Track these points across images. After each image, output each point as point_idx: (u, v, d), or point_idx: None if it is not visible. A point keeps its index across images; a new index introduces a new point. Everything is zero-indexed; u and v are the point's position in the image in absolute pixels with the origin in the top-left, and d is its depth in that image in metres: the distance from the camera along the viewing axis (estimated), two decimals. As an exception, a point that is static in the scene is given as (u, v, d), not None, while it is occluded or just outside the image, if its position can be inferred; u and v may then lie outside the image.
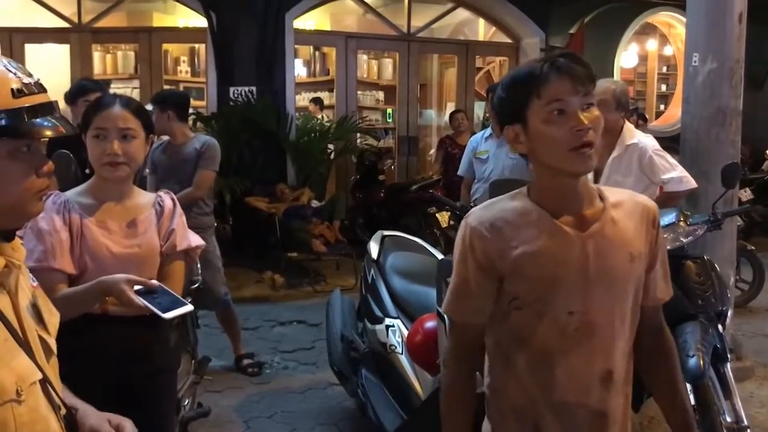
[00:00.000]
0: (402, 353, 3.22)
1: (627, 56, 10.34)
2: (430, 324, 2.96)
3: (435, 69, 10.91)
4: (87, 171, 2.29)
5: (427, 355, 2.90)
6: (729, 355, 3.17)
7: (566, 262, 1.53)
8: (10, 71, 1.17)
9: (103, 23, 8.25)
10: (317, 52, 10.04)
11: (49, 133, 1.18)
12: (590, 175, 3.67)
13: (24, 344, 1.18)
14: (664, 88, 11.65)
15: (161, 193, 2.29)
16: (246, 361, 4.65)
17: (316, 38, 9.41)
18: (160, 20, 8.93)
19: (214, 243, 4.45)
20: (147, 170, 4.10)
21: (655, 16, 10.13)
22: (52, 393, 1.23)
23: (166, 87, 7.72)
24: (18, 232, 1.28)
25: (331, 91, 9.46)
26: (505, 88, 1.59)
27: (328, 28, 9.63)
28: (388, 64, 10.13)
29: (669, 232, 3.25)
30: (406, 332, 3.21)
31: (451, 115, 8.24)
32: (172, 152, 4.38)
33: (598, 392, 1.57)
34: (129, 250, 2.12)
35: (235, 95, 7.75)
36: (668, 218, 3.29)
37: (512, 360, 1.61)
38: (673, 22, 10.40)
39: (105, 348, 2.08)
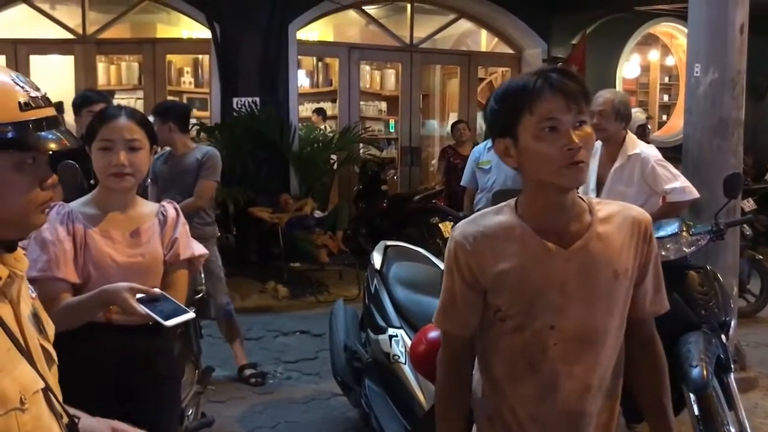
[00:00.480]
0: (405, 363, 3.21)
1: (629, 67, 10.36)
2: (433, 334, 2.94)
3: (437, 80, 10.94)
4: (92, 182, 2.31)
5: (431, 365, 2.86)
6: (733, 366, 3.17)
7: (547, 279, 1.53)
8: (18, 85, 1.19)
9: (107, 34, 8.30)
10: (320, 63, 10.08)
11: (53, 146, 1.20)
12: (591, 185, 3.71)
13: (26, 353, 1.19)
14: (666, 98, 11.66)
15: (165, 202, 2.30)
16: (249, 372, 4.65)
17: (319, 49, 9.44)
18: (164, 31, 8.99)
19: (216, 253, 4.47)
20: (148, 180, 4.12)
21: (657, 26, 10.16)
22: (54, 401, 1.24)
23: (169, 98, 7.76)
24: (22, 243, 1.29)
25: (334, 101, 9.49)
26: (497, 100, 1.57)
27: (331, 39, 9.67)
28: (390, 74, 10.17)
29: (671, 242, 3.26)
30: (409, 342, 3.20)
31: (453, 125, 8.26)
32: (173, 163, 4.40)
33: (579, 405, 1.57)
34: (132, 260, 2.14)
35: (239, 106, 7.78)
36: (671, 228, 3.29)
37: (496, 369, 1.62)
38: (674, 33, 10.42)
39: (109, 356, 2.09)
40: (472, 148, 5.77)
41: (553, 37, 9.18)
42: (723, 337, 3.16)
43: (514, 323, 1.56)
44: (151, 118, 3.90)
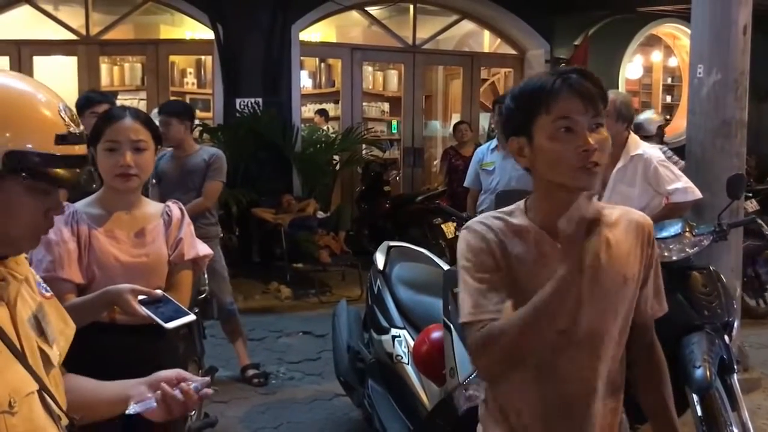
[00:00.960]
0: (408, 363, 3.22)
1: (632, 68, 10.35)
2: (436, 334, 2.96)
3: (440, 80, 10.95)
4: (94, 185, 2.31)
5: (433, 365, 2.91)
6: (736, 367, 3.17)
7: None
8: (63, 118, 1.20)
9: (110, 35, 8.31)
10: (323, 64, 10.08)
11: (67, 185, 1.21)
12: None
13: (21, 356, 1.19)
14: (669, 99, 11.65)
15: (170, 202, 2.31)
16: (252, 372, 4.65)
17: (322, 50, 9.45)
18: (167, 32, 9.01)
19: (220, 253, 4.48)
20: (152, 181, 4.13)
21: (660, 27, 10.15)
22: (52, 404, 1.24)
23: (172, 98, 7.75)
24: None
25: (336, 102, 9.50)
26: (514, 98, 1.56)
27: (333, 40, 9.68)
28: (393, 75, 10.18)
29: (674, 242, 3.26)
30: (412, 342, 3.21)
31: (455, 126, 8.25)
32: (178, 163, 4.41)
33: (584, 407, 1.57)
34: (137, 260, 2.14)
35: (242, 107, 7.79)
36: (674, 229, 3.29)
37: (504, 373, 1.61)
38: (677, 34, 10.42)
39: (112, 355, 2.09)
40: (474, 149, 5.76)
41: (556, 38, 9.18)
42: (726, 338, 3.16)
43: None
44: (155, 118, 3.94)
